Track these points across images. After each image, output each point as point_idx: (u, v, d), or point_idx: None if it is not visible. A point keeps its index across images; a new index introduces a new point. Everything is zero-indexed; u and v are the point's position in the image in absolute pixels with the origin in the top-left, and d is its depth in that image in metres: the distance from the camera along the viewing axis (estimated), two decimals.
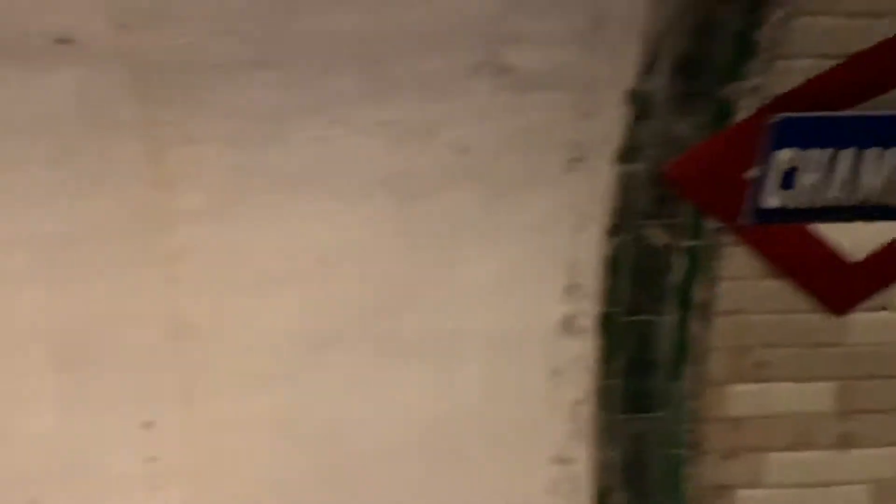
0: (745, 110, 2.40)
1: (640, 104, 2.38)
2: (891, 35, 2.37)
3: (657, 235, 2.58)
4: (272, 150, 2.15)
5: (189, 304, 2.35)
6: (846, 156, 2.46)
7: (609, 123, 2.38)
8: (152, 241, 2.26)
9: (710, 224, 2.56)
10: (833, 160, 2.47)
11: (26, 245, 2.15)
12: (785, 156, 2.45)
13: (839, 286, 2.70)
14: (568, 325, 2.59)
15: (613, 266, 2.60)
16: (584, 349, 2.62)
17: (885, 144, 2.48)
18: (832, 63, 2.37)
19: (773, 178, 2.48)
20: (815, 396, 2.75)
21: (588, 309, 2.59)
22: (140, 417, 2.44)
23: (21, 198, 2.11)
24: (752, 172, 2.47)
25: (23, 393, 2.36)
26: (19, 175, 2.08)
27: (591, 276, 2.55)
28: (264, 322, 2.39)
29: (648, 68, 2.33)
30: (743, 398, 2.72)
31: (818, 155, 2.46)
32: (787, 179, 2.49)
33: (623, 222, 2.55)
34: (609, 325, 2.65)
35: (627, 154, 2.46)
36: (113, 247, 2.25)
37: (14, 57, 1.85)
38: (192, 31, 1.91)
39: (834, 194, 2.51)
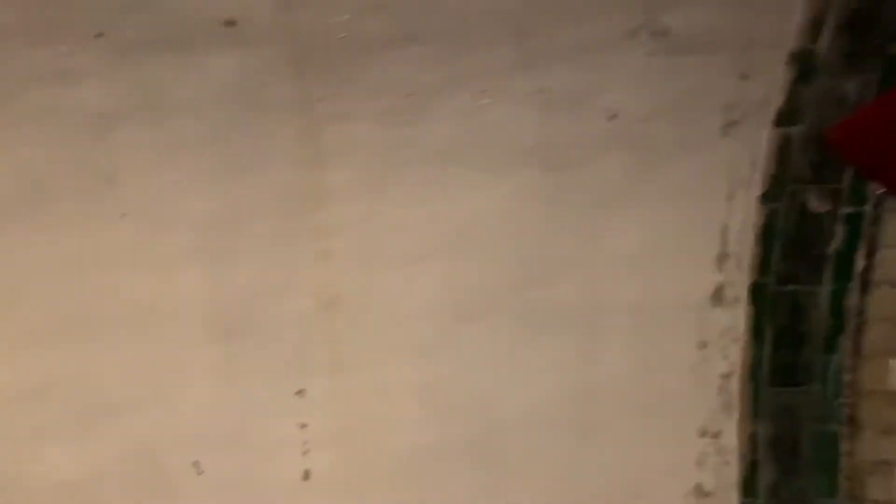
0: None
1: (803, 64, 2.25)
2: None
3: (815, 201, 2.45)
4: (422, 125, 2.14)
5: (339, 278, 2.40)
6: None
7: (768, 85, 2.26)
8: (305, 218, 2.31)
9: (873, 189, 2.42)
10: None
11: (189, 224, 2.23)
12: None
13: None
14: (718, 296, 2.51)
15: (767, 234, 2.49)
16: (733, 320, 2.54)
17: None
18: None
19: None
20: None
21: (739, 279, 2.50)
22: (293, 386, 2.52)
23: (184, 179, 2.18)
24: None
25: (185, 363, 2.48)
26: (183, 156, 2.15)
27: (743, 245, 2.45)
28: (412, 294, 2.42)
29: (814, 27, 2.19)
30: None
31: None
32: None
33: (779, 188, 2.43)
34: (761, 295, 2.55)
35: (787, 116, 2.33)
36: (268, 224, 2.31)
37: (182, 42, 1.90)
38: (348, 8, 1.90)
39: None
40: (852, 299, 2.54)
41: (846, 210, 2.45)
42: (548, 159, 2.25)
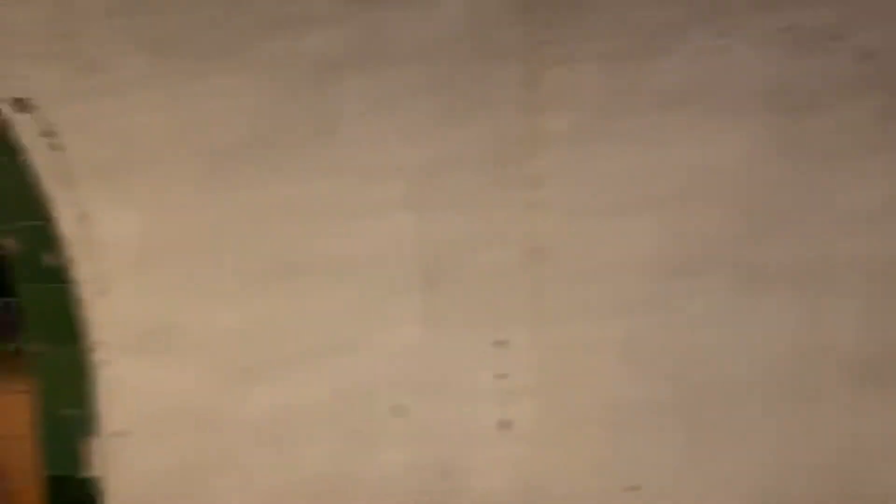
0: None
1: None
2: None
3: None
4: (651, 67, 1.98)
5: (547, 228, 2.31)
6: None
7: None
8: (518, 166, 2.22)
9: None
10: None
11: (401, 173, 2.20)
12: None
13: None
14: None
15: None
16: None
17: None
18: None
19: None
20: None
21: None
22: (494, 336, 2.48)
23: (402, 127, 2.13)
24: None
25: (389, 309, 2.48)
26: (403, 105, 2.09)
27: None
28: (623, 247, 2.29)
29: None
30: None
31: None
32: None
33: None
34: None
35: None
36: (480, 172, 2.23)
37: None
38: None
39: None
40: None
41: None
42: (788, 103, 2.03)
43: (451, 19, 1.93)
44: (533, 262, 2.38)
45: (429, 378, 2.54)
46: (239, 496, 2.77)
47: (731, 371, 2.38)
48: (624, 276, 2.35)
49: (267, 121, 2.24)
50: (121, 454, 2.84)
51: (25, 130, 2.44)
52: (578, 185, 2.21)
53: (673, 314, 2.37)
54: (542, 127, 2.09)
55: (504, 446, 2.55)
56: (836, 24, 1.92)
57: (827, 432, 2.38)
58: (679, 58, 1.97)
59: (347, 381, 2.59)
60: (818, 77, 1.99)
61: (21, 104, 2.39)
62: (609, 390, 2.51)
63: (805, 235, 2.24)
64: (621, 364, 2.48)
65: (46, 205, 2.61)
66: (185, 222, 2.52)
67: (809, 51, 1.95)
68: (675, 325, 2.40)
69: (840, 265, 2.24)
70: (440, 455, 2.59)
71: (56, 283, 2.74)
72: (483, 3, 1.89)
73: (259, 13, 2.05)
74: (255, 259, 2.49)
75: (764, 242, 2.24)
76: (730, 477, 2.41)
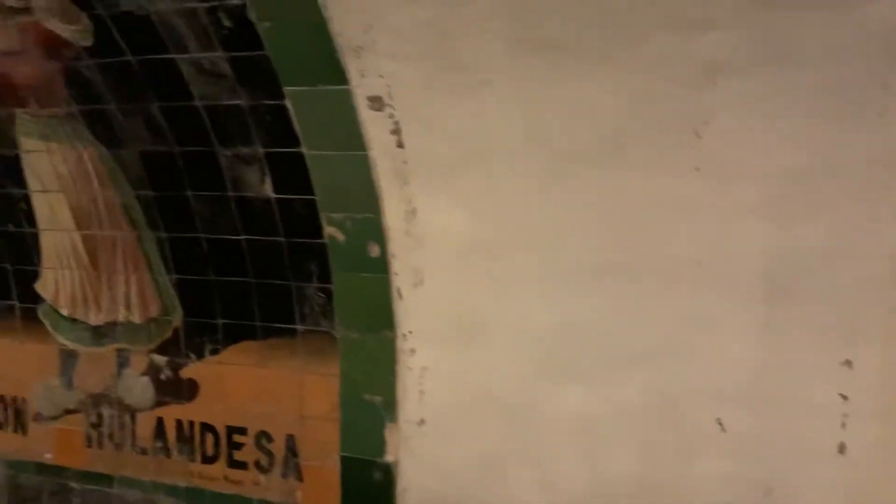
0: None
1: None
2: None
3: None
4: None
5: None
6: None
7: None
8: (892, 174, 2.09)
9: None
10: None
11: (760, 178, 2.10)
12: None
13: None
14: None
15: None
16: None
17: None
18: None
19: None
20: None
21: None
22: (840, 354, 2.36)
23: (775, 130, 2.04)
24: None
25: (725, 319, 2.40)
26: (777, 109, 2.01)
27: None
28: None
29: None
30: None
31: None
32: None
33: None
34: None
35: None
36: (852, 181, 2.11)
37: None
38: None
39: None
40: None
41: None
42: None
43: (864, 23, 1.82)
44: (893, 278, 2.24)
45: (761, 392, 2.43)
46: (536, 492, 2.77)
47: None
48: None
49: (630, 119, 2.20)
50: (419, 442, 2.91)
51: (374, 127, 2.53)
52: None
53: None
54: None
55: (837, 470, 2.41)
56: None
57: None
58: None
59: (668, 388, 2.52)
60: None
61: (377, 101, 2.47)
62: None
63: None
64: None
65: (377, 198, 2.69)
66: (518, 220, 2.52)
67: None
68: None
69: None
70: (764, 473, 2.49)
71: (374, 273, 2.83)
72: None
73: (660, 12, 2.01)
74: (587, 258, 2.46)
75: None
76: None
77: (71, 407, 3.50)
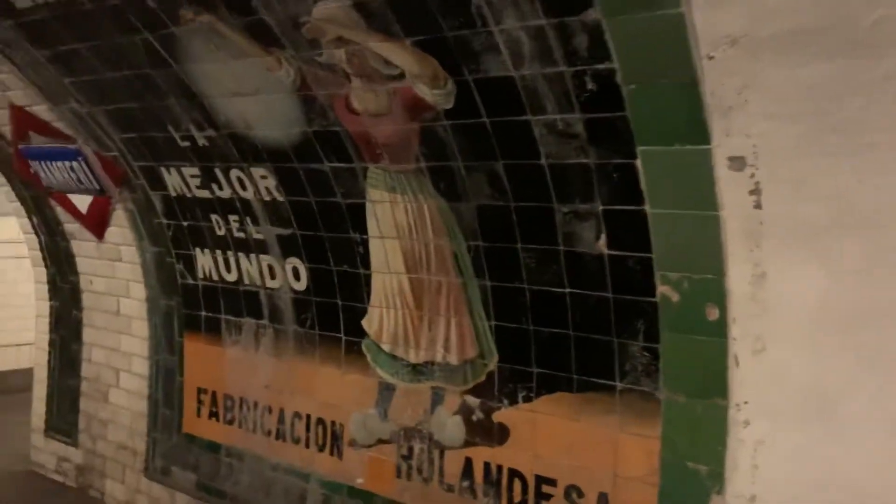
0: None
1: None
2: None
3: None
4: None
5: None
6: None
7: None
8: None
9: None
10: None
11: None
12: None
13: None
14: None
15: None
16: None
17: None
18: None
19: None
20: None
21: None
22: None
23: None
24: None
25: None
26: None
27: None
28: None
29: None
30: None
31: None
32: None
33: None
34: None
35: None
36: None
37: None
38: None
39: None
40: None
41: None
42: None
43: None
44: None
45: None
46: None
47: None
48: None
49: None
50: None
51: (730, 187, 2.44)
52: None
53: None
54: None
55: None
56: None
57: None
58: None
59: None
60: None
61: (738, 161, 2.38)
62: None
63: None
64: None
65: (722, 260, 2.59)
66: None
67: None
68: None
69: None
70: None
71: (709, 336, 2.71)
72: None
73: None
74: None
75: None
76: None
77: (384, 437, 3.70)
